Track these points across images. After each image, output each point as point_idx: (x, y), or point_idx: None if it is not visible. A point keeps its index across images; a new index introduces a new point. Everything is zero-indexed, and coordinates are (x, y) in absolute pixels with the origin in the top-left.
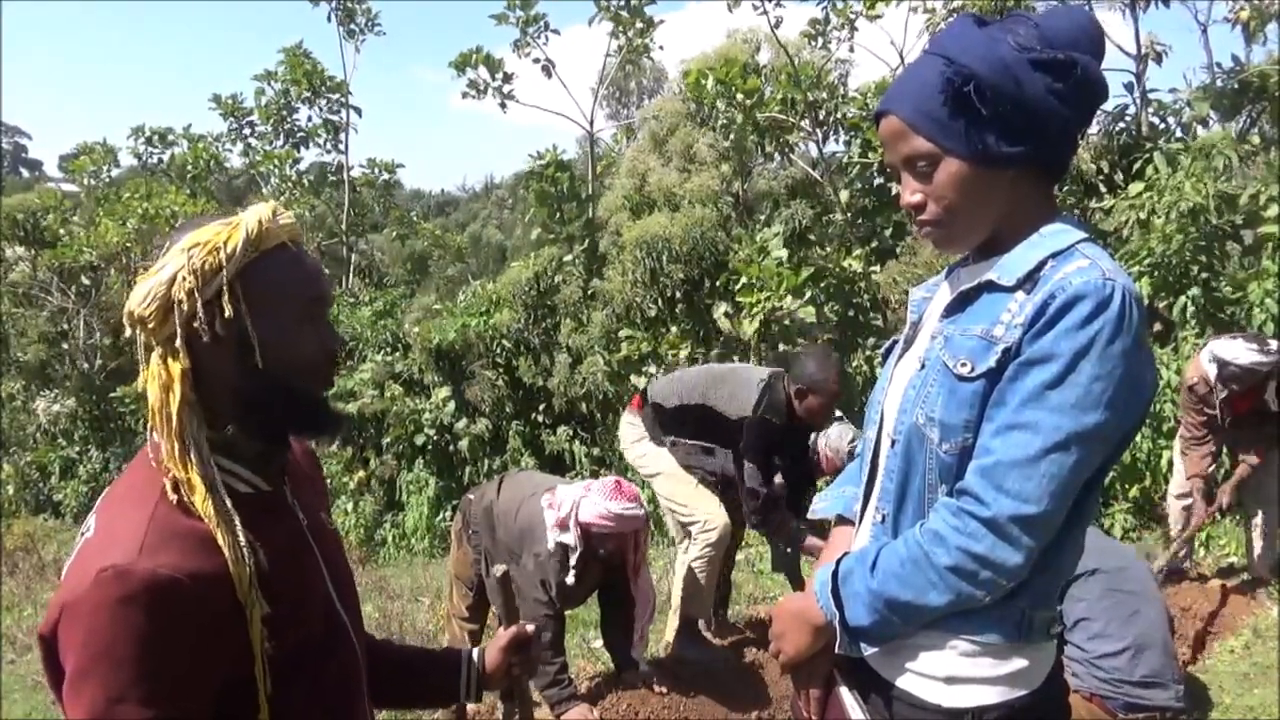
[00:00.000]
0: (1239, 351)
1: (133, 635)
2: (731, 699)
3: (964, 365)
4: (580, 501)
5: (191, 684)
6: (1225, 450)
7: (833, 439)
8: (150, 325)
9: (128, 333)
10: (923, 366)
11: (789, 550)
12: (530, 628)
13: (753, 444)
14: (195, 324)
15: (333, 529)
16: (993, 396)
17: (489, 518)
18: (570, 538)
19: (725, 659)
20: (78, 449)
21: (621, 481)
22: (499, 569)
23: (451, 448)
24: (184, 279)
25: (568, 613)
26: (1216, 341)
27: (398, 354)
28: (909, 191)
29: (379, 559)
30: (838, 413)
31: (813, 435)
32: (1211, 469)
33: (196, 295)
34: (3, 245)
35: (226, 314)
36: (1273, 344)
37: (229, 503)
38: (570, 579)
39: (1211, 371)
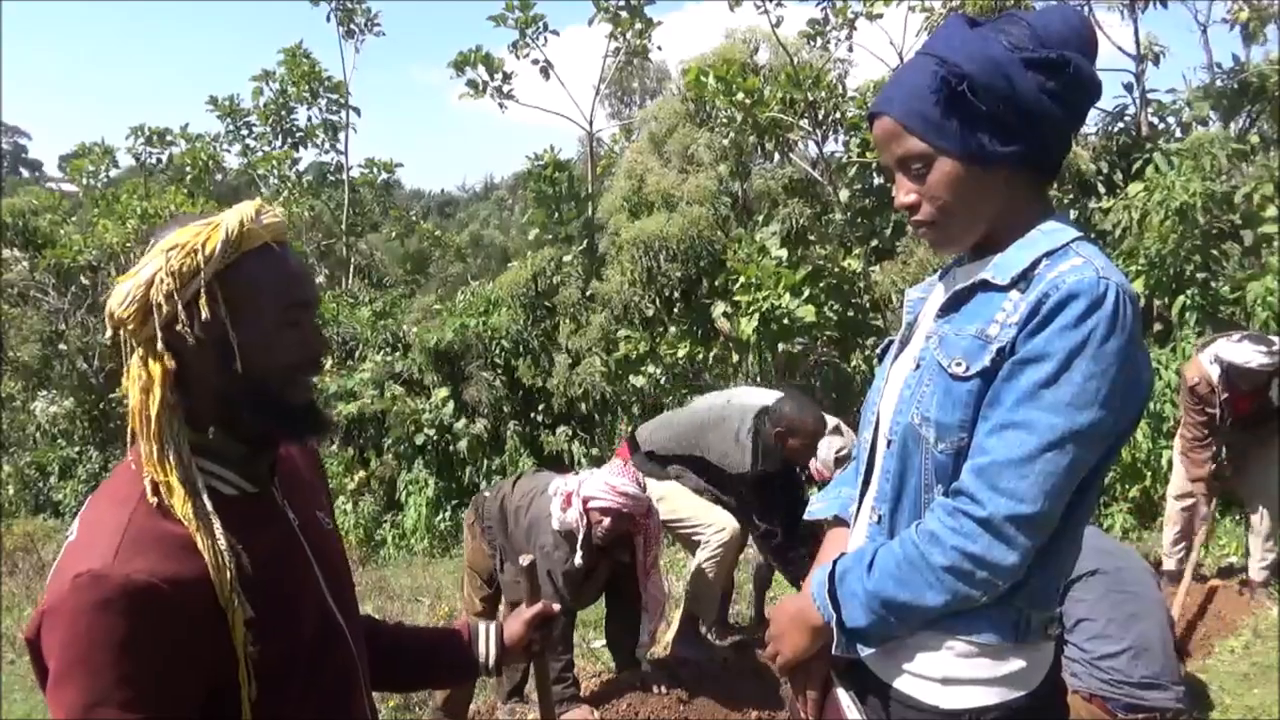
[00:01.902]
0: (1248, 354)
1: (109, 640)
2: (731, 699)
3: (958, 365)
4: (585, 479)
5: (172, 688)
6: (1223, 452)
7: (820, 451)
8: (130, 327)
9: (108, 333)
10: (918, 366)
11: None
12: (556, 606)
13: (759, 497)
14: (176, 326)
15: (331, 529)
16: (987, 396)
17: (503, 515)
18: (574, 514)
19: (725, 659)
20: (77, 449)
21: (628, 464)
22: (525, 558)
23: (451, 448)
24: (162, 281)
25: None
26: (1221, 343)
27: (398, 354)
28: (903, 192)
29: (379, 559)
30: (832, 420)
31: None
32: (1212, 470)
33: (175, 297)
34: (1, 246)
35: (205, 316)
36: (1276, 341)
37: (209, 505)
38: (579, 560)
39: (1214, 373)
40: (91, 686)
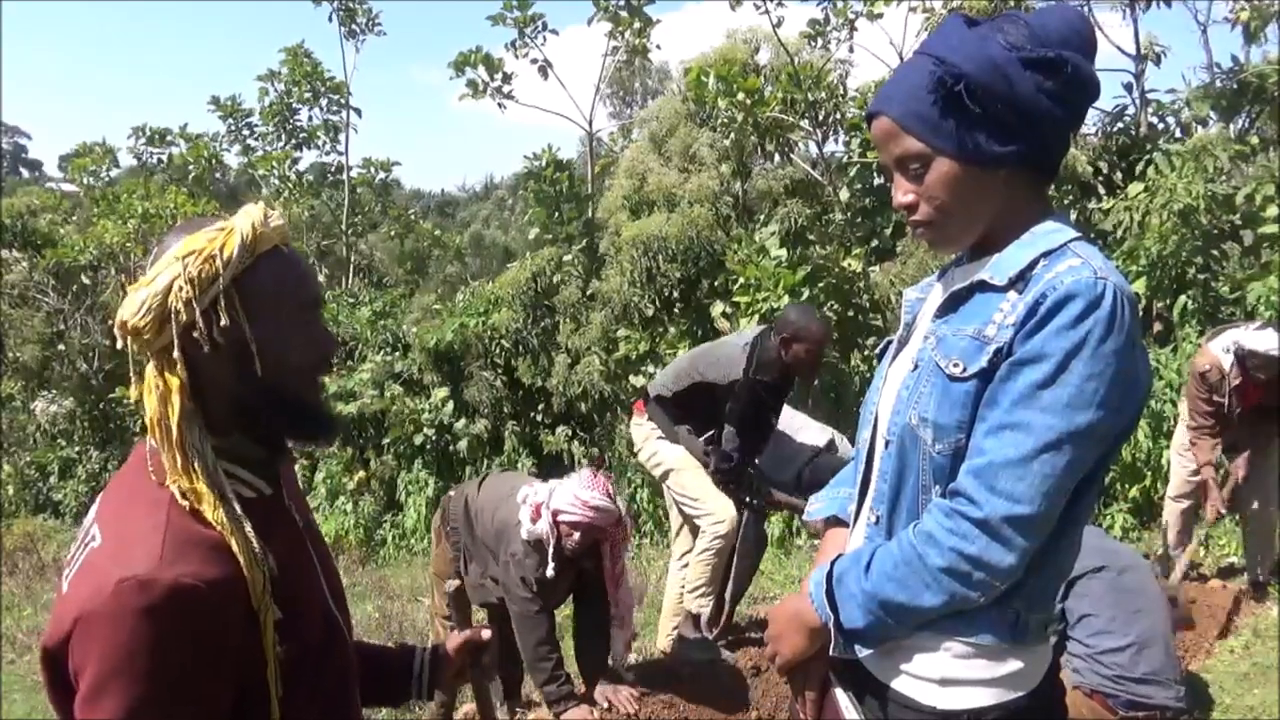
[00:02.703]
0: (1270, 342)
1: (153, 646)
2: (731, 699)
3: (956, 365)
4: (555, 490)
5: (210, 693)
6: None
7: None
8: (145, 336)
9: (119, 343)
10: (916, 367)
11: (753, 502)
12: (485, 633)
13: (740, 407)
14: (193, 333)
15: (318, 529)
16: (985, 396)
17: (468, 515)
18: (543, 525)
19: (725, 659)
20: (77, 449)
21: (597, 474)
22: (452, 583)
23: (451, 448)
24: (180, 288)
25: (562, 617)
26: (1238, 331)
27: (397, 354)
28: (901, 192)
29: (379, 559)
30: (828, 434)
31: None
32: (1219, 456)
33: (194, 304)
34: (0, 247)
35: (223, 322)
36: None
37: (239, 509)
38: (550, 571)
39: (1227, 361)
40: (132, 693)
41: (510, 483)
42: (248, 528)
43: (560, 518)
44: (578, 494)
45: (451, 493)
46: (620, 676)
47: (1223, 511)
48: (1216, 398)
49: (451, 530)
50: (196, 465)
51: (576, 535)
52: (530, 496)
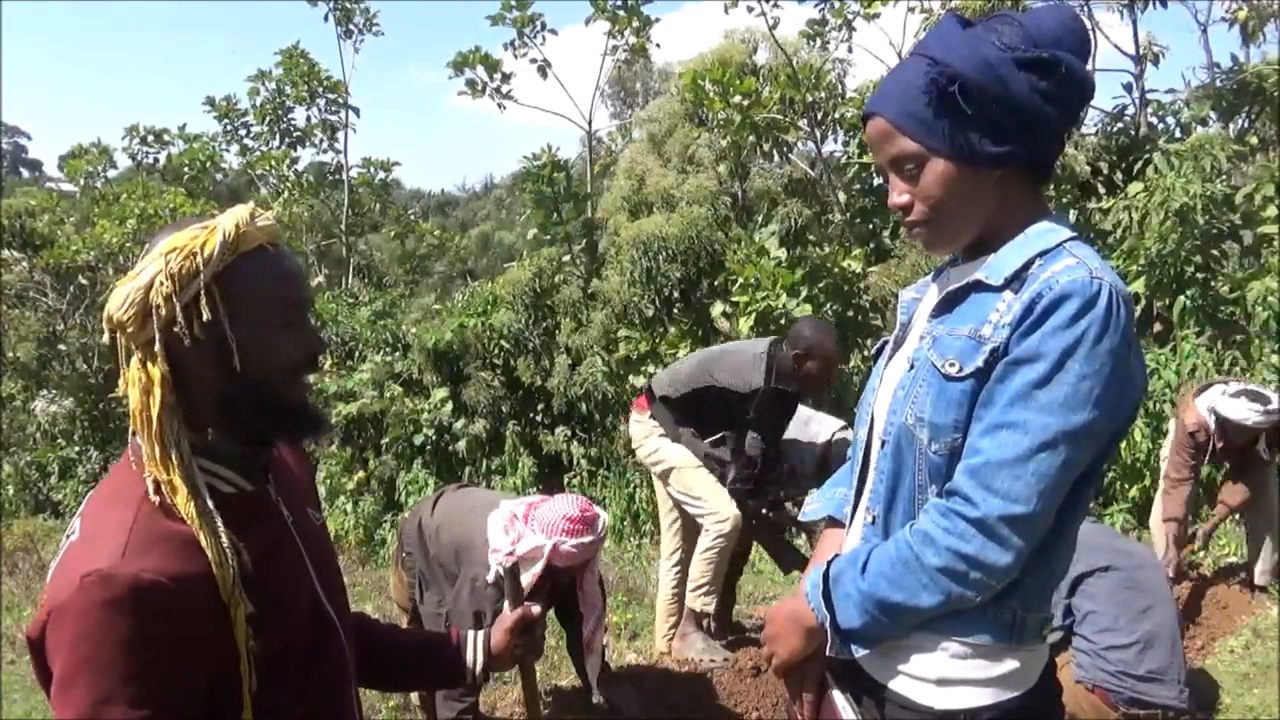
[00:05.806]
0: (1244, 412)
1: (117, 639)
2: (731, 699)
3: (952, 365)
4: (546, 547)
5: (178, 684)
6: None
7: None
8: (129, 329)
9: (106, 336)
10: (912, 367)
11: (768, 514)
12: (535, 609)
13: (765, 414)
14: (174, 328)
15: (320, 525)
16: (981, 396)
17: (421, 537)
18: (528, 576)
19: (725, 658)
20: (77, 449)
21: (572, 518)
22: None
23: (450, 448)
24: (161, 283)
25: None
26: (1216, 394)
27: (397, 354)
28: (896, 192)
29: (379, 559)
30: (840, 424)
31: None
32: (1186, 514)
33: (174, 299)
34: (1, 247)
35: (204, 318)
36: (1273, 400)
37: (210, 504)
38: (507, 608)
39: (1211, 421)
40: (99, 684)
41: (471, 500)
42: (218, 522)
43: (558, 565)
44: (573, 544)
45: (406, 514)
46: (592, 685)
47: (1171, 574)
48: (1201, 455)
49: (407, 556)
50: (174, 458)
51: (565, 574)
52: (498, 540)
